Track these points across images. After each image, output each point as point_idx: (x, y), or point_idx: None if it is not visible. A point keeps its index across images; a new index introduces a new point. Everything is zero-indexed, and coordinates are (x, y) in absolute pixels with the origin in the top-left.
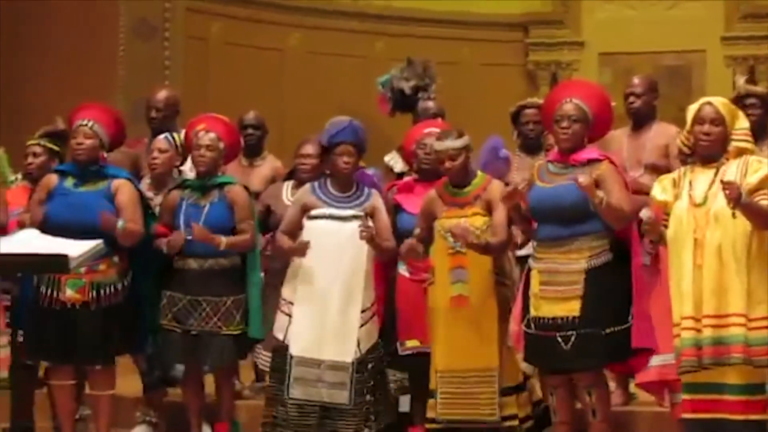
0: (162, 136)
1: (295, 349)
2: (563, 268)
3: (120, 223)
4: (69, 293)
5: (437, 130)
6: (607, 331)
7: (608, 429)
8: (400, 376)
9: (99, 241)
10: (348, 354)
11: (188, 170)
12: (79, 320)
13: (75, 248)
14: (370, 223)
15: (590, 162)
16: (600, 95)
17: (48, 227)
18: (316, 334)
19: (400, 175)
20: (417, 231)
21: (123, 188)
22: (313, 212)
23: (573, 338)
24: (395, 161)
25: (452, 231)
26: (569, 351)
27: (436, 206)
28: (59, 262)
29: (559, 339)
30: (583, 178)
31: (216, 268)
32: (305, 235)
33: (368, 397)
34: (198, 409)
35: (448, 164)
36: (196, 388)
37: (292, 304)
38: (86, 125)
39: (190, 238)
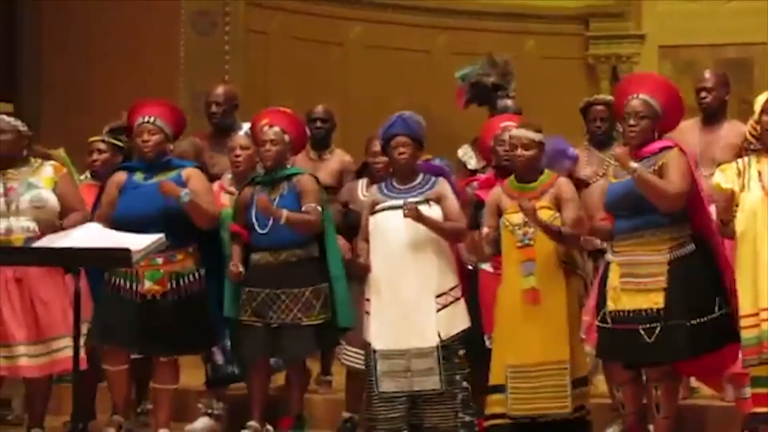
0: (242, 132)
1: (378, 344)
2: (645, 260)
3: (183, 193)
4: (148, 284)
5: (513, 124)
6: (692, 322)
7: (672, 424)
8: None
9: (160, 235)
10: (430, 339)
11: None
12: (159, 311)
13: (137, 242)
14: (429, 207)
15: (662, 150)
16: (668, 88)
17: (122, 221)
18: (395, 324)
19: (474, 172)
20: (486, 230)
21: (194, 175)
22: (376, 207)
23: (657, 331)
24: (469, 156)
25: (521, 205)
26: (653, 343)
27: (503, 202)
28: (122, 256)
29: (642, 332)
30: (620, 149)
31: (292, 260)
32: (371, 232)
33: (464, 383)
34: (263, 401)
35: (519, 152)
36: (265, 381)
37: (368, 300)
38: (149, 122)
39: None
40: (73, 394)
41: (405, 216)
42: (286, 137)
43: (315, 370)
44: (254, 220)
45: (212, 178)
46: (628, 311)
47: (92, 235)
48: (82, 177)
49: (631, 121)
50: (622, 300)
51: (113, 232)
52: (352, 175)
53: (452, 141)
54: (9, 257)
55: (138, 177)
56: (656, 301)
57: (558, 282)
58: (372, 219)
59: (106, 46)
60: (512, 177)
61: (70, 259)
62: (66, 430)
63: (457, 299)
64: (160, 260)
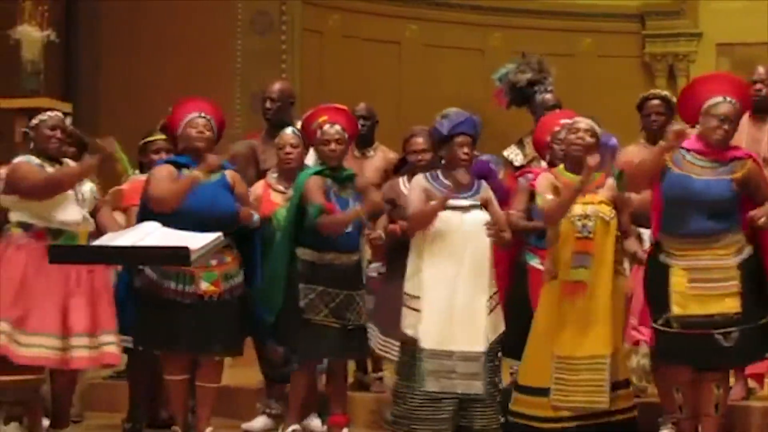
0: (289, 130)
1: (426, 343)
2: (714, 264)
3: (255, 218)
4: (204, 286)
5: (569, 120)
6: (761, 322)
7: (722, 423)
8: None
9: (219, 234)
10: (479, 343)
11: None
12: (217, 311)
13: (196, 241)
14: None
15: (737, 158)
16: (747, 94)
17: (184, 217)
18: (445, 325)
19: (518, 168)
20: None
21: (238, 180)
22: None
23: (735, 334)
24: (515, 154)
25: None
26: (730, 347)
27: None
28: (180, 254)
29: (718, 336)
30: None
31: (358, 262)
32: (439, 224)
33: (501, 385)
34: (308, 399)
35: (586, 139)
36: (314, 380)
37: (417, 298)
38: (206, 117)
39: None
40: (131, 393)
41: (489, 236)
42: (346, 135)
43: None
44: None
45: (263, 174)
46: (700, 316)
47: (151, 233)
48: (132, 172)
49: (726, 126)
50: (691, 305)
51: (172, 230)
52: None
53: (506, 139)
54: (68, 255)
55: (187, 173)
56: (732, 305)
57: (609, 280)
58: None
59: (163, 45)
60: (561, 167)
61: (129, 257)
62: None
63: (498, 303)
64: (214, 261)
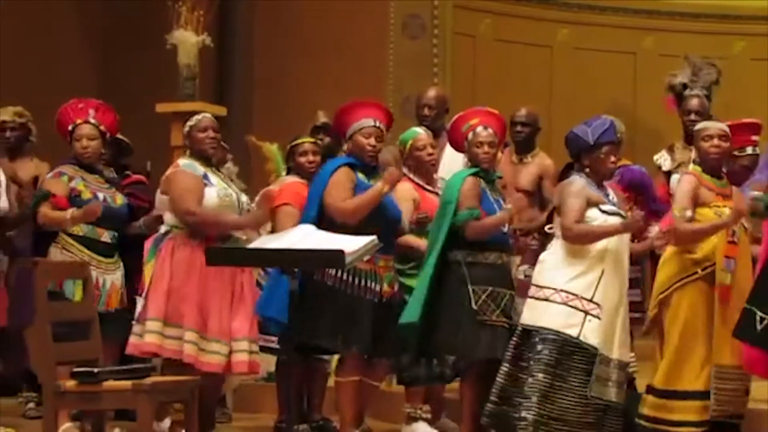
0: (421, 131)
1: (602, 348)
2: None
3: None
4: (386, 287)
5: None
6: None
7: None
8: None
9: (373, 237)
10: (629, 351)
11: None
12: (391, 314)
13: (350, 244)
14: None
15: None
16: None
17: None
18: (610, 332)
19: (668, 173)
20: (689, 214)
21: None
22: (607, 208)
23: None
24: (664, 159)
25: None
26: None
27: (703, 193)
28: (335, 257)
29: None
30: None
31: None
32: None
33: None
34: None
35: (715, 147)
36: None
37: (587, 300)
38: (380, 127)
39: None
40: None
41: (657, 247)
42: (497, 139)
43: None
44: (497, 212)
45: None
46: None
47: (307, 236)
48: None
49: None
50: None
51: (326, 233)
52: (551, 179)
53: (658, 143)
54: (225, 257)
55: (362, 177)
56: None
57: (747, 284)
58: (609, 218)
59: (316, 47)
60: (699, 168)
61: (285, 260)
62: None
63: None
64: (391, 263)
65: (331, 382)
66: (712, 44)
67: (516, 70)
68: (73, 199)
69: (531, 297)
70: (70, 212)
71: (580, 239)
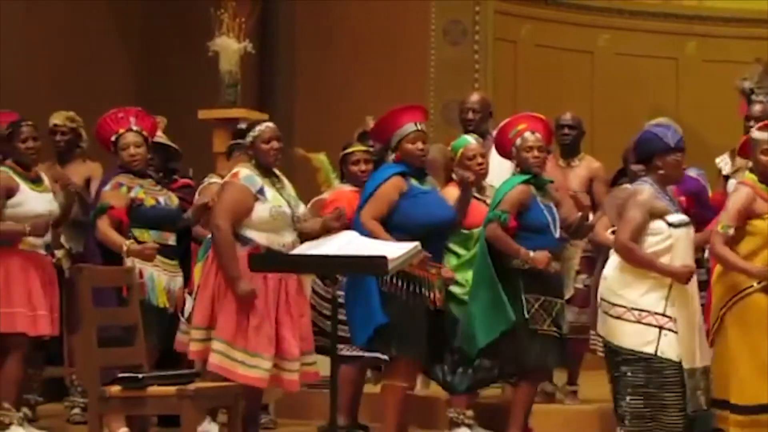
0: (472, 138)
1: (686, 362)
2: None
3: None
4: (437, 294)
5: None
6: None
7: None
8: None
9: (416, 244)
10: (710, 356)
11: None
12: (440, 321)
13: (393, 250)
14: None
15: None
16: None
17: (420, 226)
18: (692, 342)
19: (726, 177)
20: (731, 232)
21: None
22: (673, 219)
23: None
24: (725, 163)
25: None
26: None
27: (758, 205)
28: (378, 263)
29: None
30: None
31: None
32: (674, 242)
33: None
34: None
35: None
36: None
37: (659, 314)
38: (422, 129)
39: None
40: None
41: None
42: (545, 143)
43: (561, 379)
44: (549, 222)
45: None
46: None
47: (350, 243)
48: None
49: None
50: None
51: (369, 239)
52: (602, 182)
53: (703, 149)
54: (268, 263)
55: (415, 183)
56: None
57: None
58: (673, 231)
59: (357, 53)
60: (756, 179)
61: (328, 266)
62: None
63: None
64: (433, 270)
65: (369, 388)
66: (755, 49)
67: (557, 76)
68: (136, 208)
69: (604, 312)
70: (127, 244)
71: (627, 259)
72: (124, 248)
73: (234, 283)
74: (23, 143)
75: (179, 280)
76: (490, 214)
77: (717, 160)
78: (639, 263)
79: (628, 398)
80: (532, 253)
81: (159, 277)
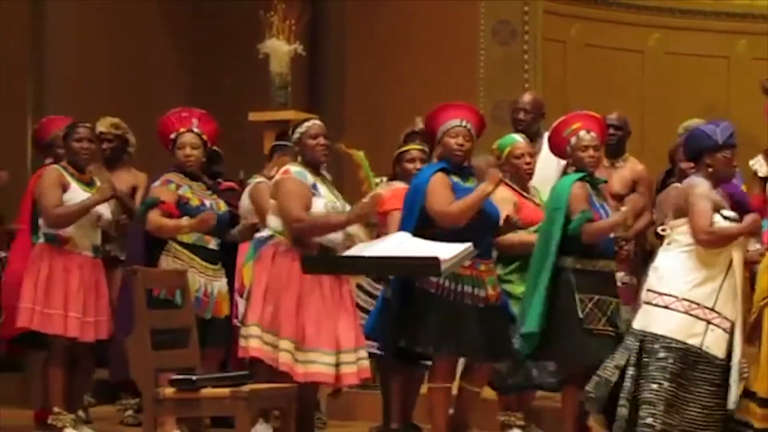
0: (520, 138)
1: (734, 359)
2: None
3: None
4: (490, 290)
5: None
6: None
7: None
8: None
9: (469, 244)
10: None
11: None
12: (495, 317)
13: (446, 251)
14: None
15: None
16: None
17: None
18: (730, 337)
19: (764, 180)
20: None
21: None
22: (728, 214)
23: None
24: (760, 165)
25: None
26: None
27: None
28: (431, 265)
29: None
30: None
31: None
32: None
33: None
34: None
35: None
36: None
37: (708, 309)
38: (467, 127)
39: None
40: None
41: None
42: (600, 142)
43: None
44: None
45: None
46: None
47: (402, 244)
48: (377, 180)
49: None
50: None
51: (421, 240)
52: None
53: (754, 149)
54: (321, 265)
55: (457, 180)
56: None
57: None
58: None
59: (407, 54)
60: None
61: (381, 268)
62: None
63: None
64: (492, 266)
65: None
66: None
67: (607, 76)
68: (182, 206)
69: (648, 303)
70: (185, 220)
71: (715, 243)
72: (184, 224)
73: (351, 222)
74: (78, 143)
75: (218, 285)
76: (577, 219)
77: (751, 162)
78: (728, 239)
79: (666, 384)
80: (623, 208)
81: (194, 278)
